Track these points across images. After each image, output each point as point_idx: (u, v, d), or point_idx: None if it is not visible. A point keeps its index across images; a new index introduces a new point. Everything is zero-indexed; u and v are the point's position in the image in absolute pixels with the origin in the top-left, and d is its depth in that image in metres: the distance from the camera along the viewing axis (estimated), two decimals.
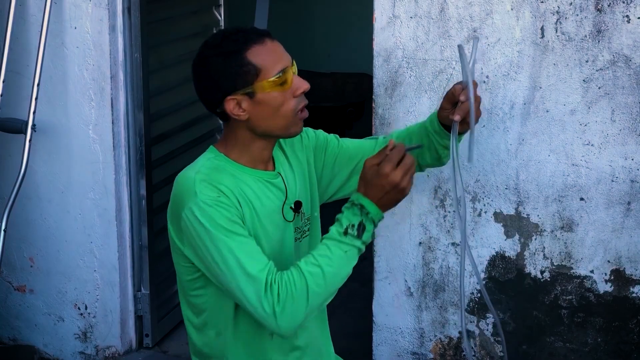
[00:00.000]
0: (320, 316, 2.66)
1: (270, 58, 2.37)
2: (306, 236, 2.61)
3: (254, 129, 2.44)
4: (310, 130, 2.71)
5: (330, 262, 2.31)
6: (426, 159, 2.73)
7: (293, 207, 2.55)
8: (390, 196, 2.33)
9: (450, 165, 2.49)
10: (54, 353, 4.04)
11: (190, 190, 2.37)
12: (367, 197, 2.33)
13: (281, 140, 2.60)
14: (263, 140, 2.47)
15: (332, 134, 2.75)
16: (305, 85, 2.42)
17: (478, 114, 2.48)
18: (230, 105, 2.41)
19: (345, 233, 2.32)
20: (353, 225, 2.32)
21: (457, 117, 2.46)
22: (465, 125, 2.49)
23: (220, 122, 4.72)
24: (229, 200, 2.37)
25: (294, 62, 2.45)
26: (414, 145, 2.45)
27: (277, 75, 2.37)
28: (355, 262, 2.36)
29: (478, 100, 2.48)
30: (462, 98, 2.46)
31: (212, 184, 2.38)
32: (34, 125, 3.64)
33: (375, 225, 2.35)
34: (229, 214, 2.35)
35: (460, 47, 2.46)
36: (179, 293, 2.59)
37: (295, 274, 2.30)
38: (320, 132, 2.73)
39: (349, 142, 2.77)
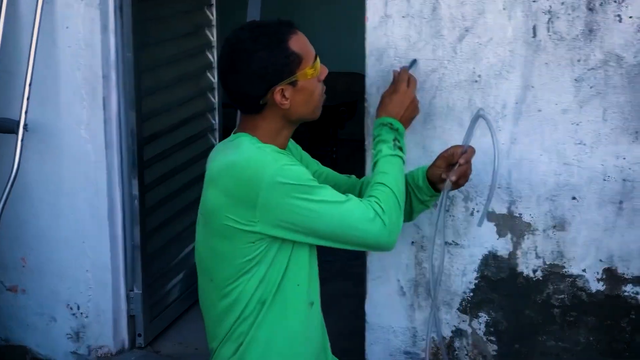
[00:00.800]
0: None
1: (307, 46, 2.53)
2: None
3: (289, 116, 2.54)
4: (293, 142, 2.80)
5: (396, 174, 2.58)
6: None
7: None
8: (409, 112, 2.71)
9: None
10: (46, 353, 4.04)
11: (265, 160, 2.44)
12: (391, 116, 2.66)
13: None
14: (291, 128, 2.59)
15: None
16: (326, 70, 2.59)
17: (469, 172, 2.72)
18: (278, 96, 2.49)
19: (395, 146, 2.62)
20: (395, 139, 2.63)
21: (453, 178, 2.68)
22: (454, 186, 2.71)
23: (214, 121, 4.72)
24: (293, 160, 2.54)
25: None
26: (411, 65, 2.95)
27: (315, 62, 2.53)
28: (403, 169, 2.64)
29: (470, 166, 2.73)
30: (461, 161, 2.68)
31: (278, 152, 2.50)
32: (25, 125, 3.63)
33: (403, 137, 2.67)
34: (308, 173, 2.49)
35: (480, 112, 2.75)
36: (202, 272, 2.61)
37: (381, 188, 2.52)
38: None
39: (326, 170, 2.89)
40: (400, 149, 2.62)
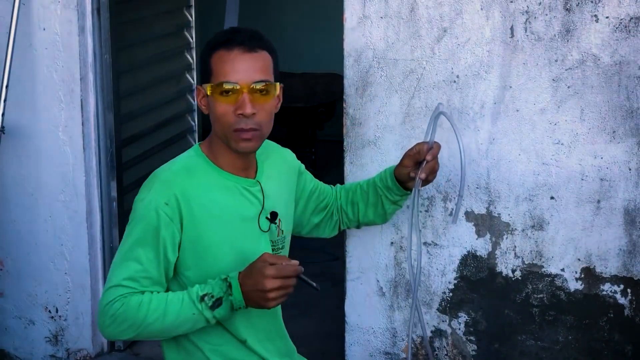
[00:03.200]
0: (272, 313, 2.63)
1: (226, 67, 2.40)
2: (280, 254, 2.60)
3: (213, 127, 2.50)
4: (294, 155, 2.79)
5: (174, 315, 2.37)
6: (369, 216, 2.85)
7: (269, 217, 2.55)
8: (256, 294, 2.33)
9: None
10: (25, 357, 4.01)
11: (149, 184, 2.45)
12: (240, 282, 2.35)
13: (273, 152, 2.65)
14: (228, 150, 2.48)
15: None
16: (245, 109, 2.39)
17: (436, 168, 2.70)
18: (198, 94, 2.51)
19: (202, 299, 2.36)
20: (212, 296, 2.35)
21: (422, 176, 2.65)
22: (423, 182, 2.68)
23: (194, 123, 4.72)
24: (172, 210, 2.41)
25: (277, 86, 2.45)
26: (310, 283, 2.39)
27: (220, 84, 2.40)
28: (198, 327, 2.41)
29: (437, 161, 2.70)
30: (428, 158, 2.65)
31: (170, 186, 2.42)
32: (2, 128, 3.61)
33: (232, 309, 2.37)
34: (159, 225, 2.40)
35: (438, 108, 2.67)
36: None
37: (144, 304, 2.36)
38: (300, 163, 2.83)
39: (319, 183, 2.87)
40: (213, 308, 2.36)
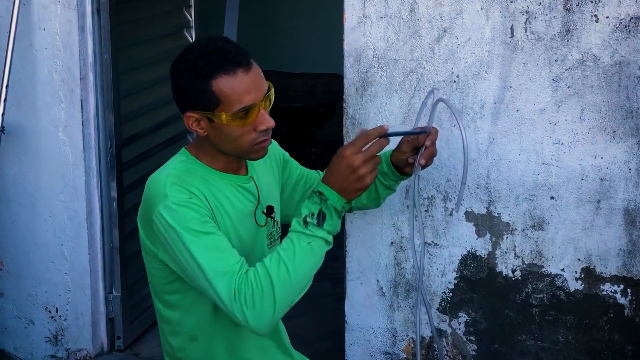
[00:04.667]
0: None
1: (237, 92, 2.34)
2: (276, 244, 2.61)
3: (214, 145, 2.44)
4: (277, 144, 2.74)
5: (293, 255, 2.27)
6: (362, 200, 2.83)
7: (265, 211, 2.55)
8: (349, 182, 2.28)
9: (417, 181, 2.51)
10: (25, 357, 4.01)
11: (160, 193, 2.37)
12: (327, 184, 2.29)
13: None
14: (226, 156, 2.47)
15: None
16: (269, 123, 2.38)
17: (434, 153, 2.63)
18: (189, 121, 2.41)
19: (305, 223, 2.28)
20: (313, 214, 2.28)
21: (422, 162, 2.57)
22: (421, 168, 2.61)
23: None
24: (200, 202, 2.36)
25: (272, 91, 2.42)
26: (406, 132, 2.39)
27: (238, 112, 2.35)
28: (323, 253, 2.31)
29: (435, 148, 2.63)
30: (427, 143, 2.58)
31: (183, 186, 2.37)
32: (2, 128, 3.61)
33: (339, 214, 2.30)
34: (200, 215, 2.34)
35: (434, 94, 2.60)
36: (152, 294, 2.59)
37: (260, 272, 2.26)
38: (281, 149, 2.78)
39: (306, 170, 2.83)
40: (321, 225, 2.28)
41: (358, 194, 2.31)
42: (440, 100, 2.60)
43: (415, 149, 2.65)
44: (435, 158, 2.70)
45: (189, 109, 2.40)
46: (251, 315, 2.25)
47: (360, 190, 2.31)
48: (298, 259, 2.27)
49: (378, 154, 2.33)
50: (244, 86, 2.34)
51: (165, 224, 2.33)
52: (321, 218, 2.28)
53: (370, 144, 2.33)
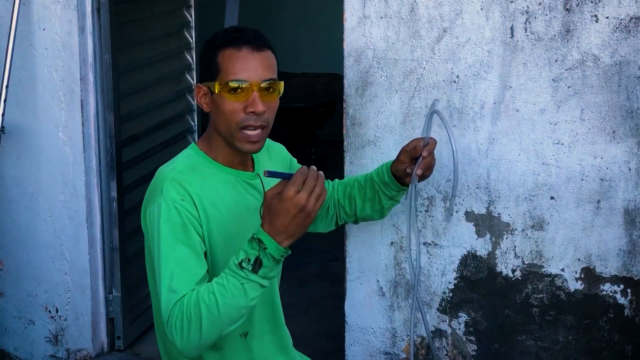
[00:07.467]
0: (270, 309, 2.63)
1: (236, 65, 2.40)
2: None
3: (214, 125, 2.49)
4: (285, 149, 2.78)
5: (225, 291, 2.25)
6: (366, 211, 2.84)
7: None
8: (298, 221, 2.22)
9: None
10: (25, 357, 4.01)
11: (159, 187, 2.42)
12: (266, 231, 2.24)
13: (266, 145, 2.63)
14: (227, 146, 2.49)
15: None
16: (257, 107, 2.40)
17: (432, 163, 2.68)
18: (198, 93, 2.49)
19: (241, 266, 2.25)
20: (249, 260, 2.24)
21: (419, 172, 2.63)
22: (420, 178, 2.66)
23: (194, 123, 4.72)
24: (190, 206, 2.39)
25: (277, 83, 2.44)
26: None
27: (232, 82, 2.40)
28: (257, 294, 2.27)
29: (433, 157, 2.68)
30: (424, 154, 2.63)
31: (181, 184, 2.41)
32: (2, 128, 3.61)
33: (277, 261, 2.26)
34: (183, 221, 2.37)
35: (434, 105, 2.65)
36: (151, 294, 2.59)
37: (193, 300, 2.26)
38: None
39: None
40: (256, 271, 2.23)
41: (304, 231, 2.28)
42: (435, 112, 2.64)
43: (413, 159, 2.66)
44: (435, 158, 2.71)
45: (200, 80, 2.49)
46: (179, 339, 2.27)
47: (307, 227, 2.26)
48: (229, 296, 2.25)
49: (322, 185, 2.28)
50: (244, 62, 2.41)
51: (153, 218, 2.38)
52: (257, 265, 2.24)
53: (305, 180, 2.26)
